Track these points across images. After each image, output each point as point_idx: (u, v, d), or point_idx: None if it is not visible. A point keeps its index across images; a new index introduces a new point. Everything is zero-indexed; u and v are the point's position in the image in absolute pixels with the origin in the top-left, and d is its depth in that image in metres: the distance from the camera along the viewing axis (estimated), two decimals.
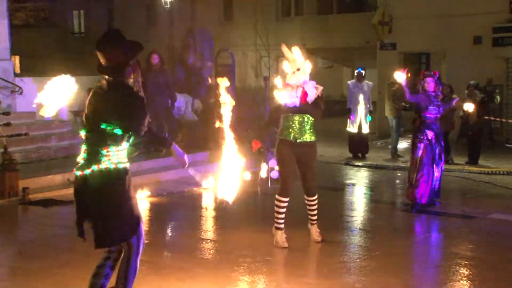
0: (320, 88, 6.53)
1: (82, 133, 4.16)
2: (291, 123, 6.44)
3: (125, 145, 4.13)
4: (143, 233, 4.39)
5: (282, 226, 6.54)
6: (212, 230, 7.57)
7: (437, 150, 8.40)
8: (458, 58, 17.46)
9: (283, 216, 6.51)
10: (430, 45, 18.52)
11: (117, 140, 4.05)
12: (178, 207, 8.84)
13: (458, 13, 17.22)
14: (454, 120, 13.07)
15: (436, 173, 8.42)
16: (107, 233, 4.08)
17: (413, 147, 8.50)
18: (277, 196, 6.55)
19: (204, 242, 6.87)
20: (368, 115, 13.36)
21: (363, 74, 13.47)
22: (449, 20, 17.42)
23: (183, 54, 16.04)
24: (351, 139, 13.65)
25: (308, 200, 6.65)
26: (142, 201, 8.90)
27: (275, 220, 6.54)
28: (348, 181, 11.09)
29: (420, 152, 8.36)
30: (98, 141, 4.04)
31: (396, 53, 18.76)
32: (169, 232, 7.42)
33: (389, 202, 9.36)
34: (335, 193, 9.86)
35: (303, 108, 6.37)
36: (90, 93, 4.17)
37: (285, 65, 6.45)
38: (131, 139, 4.13)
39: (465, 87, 13.34)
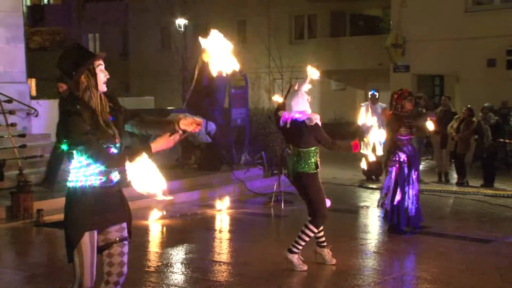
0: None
1: None
2: (316, 154, 6.48)
3: (81, 164, 3.75)
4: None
5: (299, 251, 6.49)
6: (226, 252, 7.54)
7: (411, 172, 8.23)
8: (472, 80, 17.42)
9: (305, 243, 6.46)
10: (444, 67, 18.51)
11: (68, 157, 3.82)
12: (192, 228, 8.83)
13: (472, 35, 17.23)
14: (471, 142, 12.99)
15: (409, 197, 8.18)
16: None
17: (386, 172, 8.42)
18: (310, 226, 6.39)
19: (217, 264, 6.85)
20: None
21: (377, 96, 13.48)
22: (462, 42, 17.42)
23: (198, 76, 16.11)
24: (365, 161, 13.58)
25: None
26: (155, 223, 8.91)
27: (297, 245, 6.44)
28: (362, 204, 11.02)
29: (392, 175, 8.25)
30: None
31: (410, 75, 18.76)
32: (182, 254, 7.40)
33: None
34: (349, 216, 9.80)
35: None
36: None
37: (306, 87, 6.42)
38: (79, 154, 3.73)
39: (479, 110, 13.29)
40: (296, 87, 6.47)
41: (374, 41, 24.16)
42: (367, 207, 10.68)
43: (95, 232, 3.85)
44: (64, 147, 3.75)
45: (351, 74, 28.21)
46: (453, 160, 13.31)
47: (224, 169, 12.23)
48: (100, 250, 3.93)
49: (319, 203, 6.37)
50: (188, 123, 3.91)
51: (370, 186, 12.81)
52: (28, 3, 37.89)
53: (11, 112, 11.33)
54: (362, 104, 13.88)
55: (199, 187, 11.22)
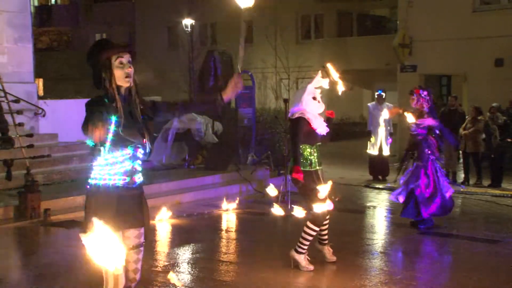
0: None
1: None
2: (316, 153, 6.40)
3: (107, 161, 3.69)
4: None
5: (306, 251, 6.49)
6: (232, 252, 7.55)
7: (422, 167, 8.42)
8: (480, 80, 17.36)
9: (309, 242, 6.46)
10: (451, 67, 18.46)
11: (93, 154, 3.73)
12: (198, 228, 8.84)
13: (479, 35, 17.17)
14: (480, 141, 12.95)
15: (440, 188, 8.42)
16: None
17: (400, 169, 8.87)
18: (310, 225, 6.40)
19: (224, 264, 6.85)
20: (388, 137, 13.33)
21: (383, 96, 13.46)
22: (470, 42, 17.36)
23: (203, 76, 16.14)
24: (372, 161, 13.60)
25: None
26: (162, 223, 8.92)
27: (301, 245, 6.44)
28: (368, 204, 11.01)
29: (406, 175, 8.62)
30: None
31: (417, 75, 18.70)
32: (189, 253, 7.41)
33: (410, 225, 9.24)
34: (355, 216, 9.79)
35: (329, 125, 6.45)
36: None
37: (324, 83, 6.39)
38: (106, 151, 3.65)
39: (487, 110, 13.25)
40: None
41: (381, 41, 24.13)
42: (374, 207, 10.67)
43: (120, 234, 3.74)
44: (89, 142, 3.63)
45: (358, 74, 28.17)
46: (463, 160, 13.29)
47: (230, 169, 12.24)
48: None
49: (311, 202, 6.33)
50: (233, 87, 4.02)
51: (377, 186, 12.79)
52: (36, 4, 38.03)
53: (19, 112, 11.37)
54: (369, 104, 13.86)
55: (205, 187, 11.24)
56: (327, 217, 6.57)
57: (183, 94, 26.63)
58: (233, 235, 8.56)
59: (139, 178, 3.84)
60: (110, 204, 3.70)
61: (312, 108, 6.36)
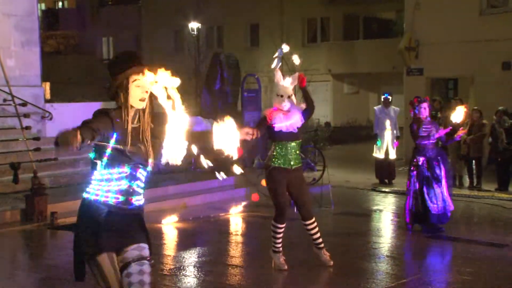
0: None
1: None
2: (288, 150, 6.42)
3: (103, 177, 3.54)
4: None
5: (280, 249, 6.57)
6: (239, 256, 7.55)
7: (429, 173, 8.37)
8: (486, 83, 17.30)
9: (280, 240, 6.54)
10: (458, 71, 18.40)
11: (92, 166, 3.60)
12: (205, 232, 8.85)
13: (486, 38, 17.11)
14: (484, 145, 12.92)
15: (431, 197, 8.35)
16: None
17: (408, 175, 8.66)
18: (274, 223, 6.52)
19: (230, 268, 6.85)
20: (395, 140, 13.31)
21: (390, 100, 13.44)
22: (476, 45, 17.31)
23: (210, 79, 16.19)
24: (378, 164, 13.58)
25: (306, 225, 6.58)
26: (168, 227, 8.93)
27: (273, 244, 6.55)
28: (375, 207, 10.99)
29: (412, 180, 8.49)
30: None
31: (423, 78, 18.66)
32: (195, 257, 7.42)
33: (417, 229, 9.23)
34: (361, 219, 9.77)
35: (304, 93, 6.65)
36: None
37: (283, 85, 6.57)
38: (102, 166, 3.53)
39: (494, 113, 13.21)
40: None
41: (388, 44, 24.09)
42: (380, 210, 10.65)
43: (113, 254, 3.56)
44: (91, 154, 3.54)
45: (364, 77, 28.16)
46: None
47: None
48: (120, 272, 3.59)
49: (272, 198, 6.46)
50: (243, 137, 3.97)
51: (383, 189, 12.77)
52: (43, 7, 38.20)
53: (26, 115, 11.43)
54: (375, 107, 13.85)
55: (212, 190, 11.24)
56: (312, 220, 6.54)
57: (190, 97, 26.67)
58: (239, 238, 8.56)
59: (137, 200, 3.62)
60: (95, 222, 3.52)
61: (276, 104, 6.52)
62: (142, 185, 3.64)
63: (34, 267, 6.91)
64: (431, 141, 8.41)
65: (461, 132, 8.65)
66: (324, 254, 6.67)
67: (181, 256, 7.34)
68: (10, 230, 8.42)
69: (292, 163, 6.43)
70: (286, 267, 6.49)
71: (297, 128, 6.47)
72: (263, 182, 6.47)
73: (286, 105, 6.44)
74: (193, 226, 9.10)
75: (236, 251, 7.82)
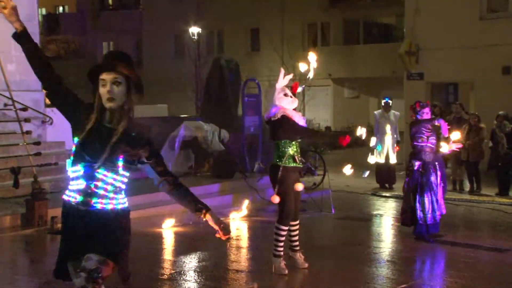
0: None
1: None
2: (295, 148, 6.48)
3: (69, 175, 3.58)
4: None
5: (282, 253, 6.56)
6: (239, 260, 7.54)
7: (423, 179, 8.32)
8: (487, 88, 17.31)
9: (283, 244, 6.54)
10: (458, 75, 18.42)
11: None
12: (205, 236, 8.83)
13: (486, 43, 17.14)
14: (483, 150, 12.92)
15: (425, 203, 8.31)
16: None
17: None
18: (278, 225, 6.50)
19: (231, 272, 6.84)
20: (394, 144, 13.31)
21: (390, 104, 13.46)
22: (477, 50, 17.33)
23: (210, 84, 16.19)
24: (378, 169, 13.57)
25: (291, 225, 6.62)
26: (168, 231, 8.93)
27: (275, 248, 6.54)
28: (375, 212, 10.98)
29: (406, 184, 8.56)
30: None
31: (424, 83, 18.68)
32: (195, 261, 7.41)
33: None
34: (362, 224, 9.77)
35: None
36: None
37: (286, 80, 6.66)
38: (70, 164, 3.54)
39: (494, 118, 13.21)
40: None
41: (388, 49, 24.13)
42: (381, 215, 10.64)
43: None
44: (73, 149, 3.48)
45: (364, 82, 28.18)
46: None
47: (237, 177, 12.23)
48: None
49: (283, 201, 6.42)
50: (214, 225, 3.82)
51: (384, 194, 12.77)
52: (44, 12, 38.28)
53: (26, 120, 11.43)
54: (376, 112, 13.85)
55: (212, 195, 11.22)
56: (298, 221, 6.62)
57: (190, 101, 26.69)
58: (239, 243, 8.55)
59: (99, 203, 3.40)
60: (64, 222, 3.52)
61: (285, 104, 6.51)
62: (110, 187, 3.42)
63: (34, 272, 6.90)
64: (428, 144, 8.38)
65: (453, 147, 8.59)
66: (299, 257, 6.72)
67: (181, 261, 7.33)
68: (10, 235, 8.42)
69: (298, 160, 6.47)
70: (286, 271, 6.48)
71: None
72: (274, 199, 6.42)
73: (295, 100, 6.58)
74: (193, 230, 9.09)
75: (236, 256, 7.80)
